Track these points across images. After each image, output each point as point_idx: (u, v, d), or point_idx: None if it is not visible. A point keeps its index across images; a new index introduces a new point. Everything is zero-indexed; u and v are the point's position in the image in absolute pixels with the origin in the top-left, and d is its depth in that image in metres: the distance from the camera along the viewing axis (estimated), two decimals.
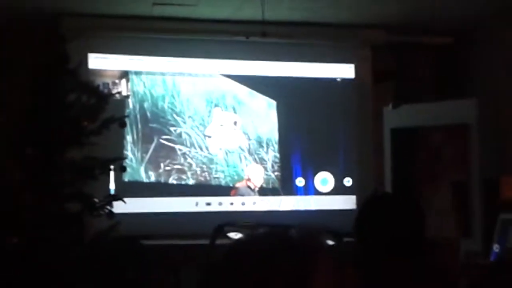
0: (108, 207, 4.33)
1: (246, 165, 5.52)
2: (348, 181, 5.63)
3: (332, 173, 5.62)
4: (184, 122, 5.42)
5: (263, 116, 5.57)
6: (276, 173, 5.56)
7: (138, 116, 5.33)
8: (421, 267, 1.80)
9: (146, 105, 5.36)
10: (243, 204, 5.47)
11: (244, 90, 5.53)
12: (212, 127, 5.48)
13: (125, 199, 4.49)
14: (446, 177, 5.12)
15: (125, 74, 5.32)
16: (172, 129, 5.39)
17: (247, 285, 1.02)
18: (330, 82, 5.62)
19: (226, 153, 5.50)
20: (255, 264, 1.05)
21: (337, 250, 1.08)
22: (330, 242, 1.12)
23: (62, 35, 4.37)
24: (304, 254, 1.04)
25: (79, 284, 4.04)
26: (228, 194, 5.45)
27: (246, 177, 5.50)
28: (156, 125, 5.37)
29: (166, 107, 5.39)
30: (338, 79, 5.65)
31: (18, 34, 4.89)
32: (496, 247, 4.58)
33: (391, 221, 1.86)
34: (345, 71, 5.66)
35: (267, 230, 1.13)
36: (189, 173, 5.40)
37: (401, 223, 1.86)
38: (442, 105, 5.24)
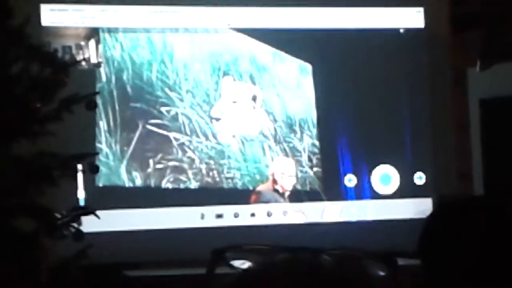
0: (75, 224, 4.32)
1: (272, 159, 5.52)
2: (419, 178, 5.65)
3: (396, 166, 5.65)
4: (181, 100, 5.43)
5: (294, 87, 5.57)
6: (315, 169, 5.57)
7: (115, 93, 5.35)
8: None
9: (125, 76, 5.38)
10: (269, 214, 5.49)
11: (265, 51, 5.54)
12: (221, 105, 5.48)
13: (99, 212, 4.49)
14: None
15: (94, 33, 5.35)
16: (163, 109, 5.41)
17: None
18: (389, 35, 5.62)
19: (243, 142, 5.52)
20: None
21: (391, 283, 1.04)
22: (381, 272, 1.08)
23: None
24: None
25: None
26: (246, 202, 5.47)
27: (271, 176, 5.49)
28: (141, 104, 5.39)
29: (154, 78, 5.41)
30: (401, 30, 5.66)
31: None
32: None
33: (471, 236, 1.82)
34: (411, 17, 5.67)
35: (287, 257, 1.12)
36: (190, 173, 5.43)
37: (487, 239, 1.82)
38: None
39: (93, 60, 5.32)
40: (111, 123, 5.34)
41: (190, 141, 5.44)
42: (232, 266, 1.23)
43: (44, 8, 5.23)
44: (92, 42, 5.33)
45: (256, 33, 5.51)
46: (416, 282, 1.77)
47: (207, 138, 5.47)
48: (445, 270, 1.82)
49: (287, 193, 5.52)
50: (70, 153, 4.38)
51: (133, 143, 5.38)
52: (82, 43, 5.31)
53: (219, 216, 5.44)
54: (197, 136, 5.45)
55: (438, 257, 1.84)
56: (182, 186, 5.42)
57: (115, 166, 5.34)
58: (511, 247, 1.84)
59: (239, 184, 5.49)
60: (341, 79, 5.59)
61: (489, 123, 5.37)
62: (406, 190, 5.61)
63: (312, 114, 5.58)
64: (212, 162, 5.46)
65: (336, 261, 1.04)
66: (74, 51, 5.26)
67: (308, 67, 5.58)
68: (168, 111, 5.42)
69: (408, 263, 1.65)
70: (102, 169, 5.06)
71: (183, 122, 5.44)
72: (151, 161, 5.39)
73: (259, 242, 1.24)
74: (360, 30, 5.59)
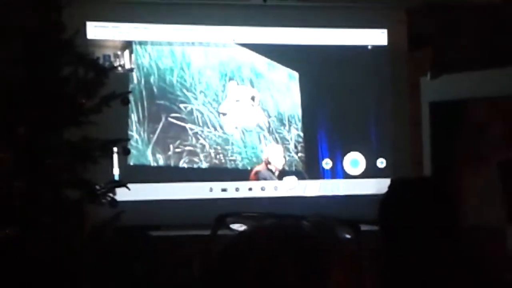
0: (111, 194, 4.32)
1: (266, 146, 5.51)
2: (381, 162, 5.63)
3: (363, 153, 5.62)
4: (196, 98, 5.40)
5: (284, 90, 5.54)
6: (299, 154, 5.55)
7: (144, 92, 5.33)
8: (456, 259, 1.76)
9: (152, 79, 5.35)
10: (263, 189, 5.48)
11: (262, 61, 5.51)
12: (227, 103, 5.46)
13: (130, 185, 4.47)
14: (493, 157, 5.05)
15: (128, 45, 5.32)
16: (182, 106, 5.39)
17: (249, 283, 0.99)
18: (359, 50, 5.57)
19: (243, 133, 5.49)
20: (258, 260, 1.03)
21: (355, 244, 1.06)
22: (348, 235, 1.10)
23: (56, 0, 4.33)
24: (315, 249, 1.01)
25: (80, 279, 4.04)
26: (245, 179, 5.46)
27: (265, 159, 5.50)
28: (164, 101, 5.37)
29: (175, 81, 5.38)
30: (369, 47, 5.60)
31: None
32: None
33: (417, 208, 1.83)
34: (377, 37, 5.62)
35: (274, 222, 1.14)
36: (201, 156, 5.41)
37: (429, 210, 1.83)
38: (489, 75, 5.14)
39: (127, 66, 5.29)
40: (140, 116, 5.32)
41: (202, 131, 5.42)
42: (231, 229, 1.25)
43: (89, 25, 5.20)
44: (126, 52, 5.29)
45: (255, 47, 5.47)
46: (375, 243, 1.79)
47: (215, 129, 5.44)
48: (398, 234, 1.83)
49: (277, 173, 5.51)
50: (108, 139, 4.38)
51: (157, 132, 5.36)
52: (119, 52, 5.28)
53: (224, 190, 5.42)
54: (208, 127, 5.43)
55: (393, 224, 1.85)
56: (195, 166, 5.40)
57: (143, 149, 5.33)
58: (450, 216, 1.86)
59: (240, 165, 5.47)
60: (321, 84, 5.54)
61: (437, 121, 5.35)
62: (371, 172, 5.58)
63: (298, 111, 5.55)
64: (219, 147, 5.44)
65: (313, 226, 1.05)
66: (112, 59, 5.23)
67: (296, 74, 5.54)
68: (185, 107, 5.39)
69: (370, 228, 1.67)
70: (133, 151, 5.05)
71: (197, 116, 5.41)
72: (171, 146, 5.37)
73: (254, 211, 1.25)
74: (337, 46, 5.54)
